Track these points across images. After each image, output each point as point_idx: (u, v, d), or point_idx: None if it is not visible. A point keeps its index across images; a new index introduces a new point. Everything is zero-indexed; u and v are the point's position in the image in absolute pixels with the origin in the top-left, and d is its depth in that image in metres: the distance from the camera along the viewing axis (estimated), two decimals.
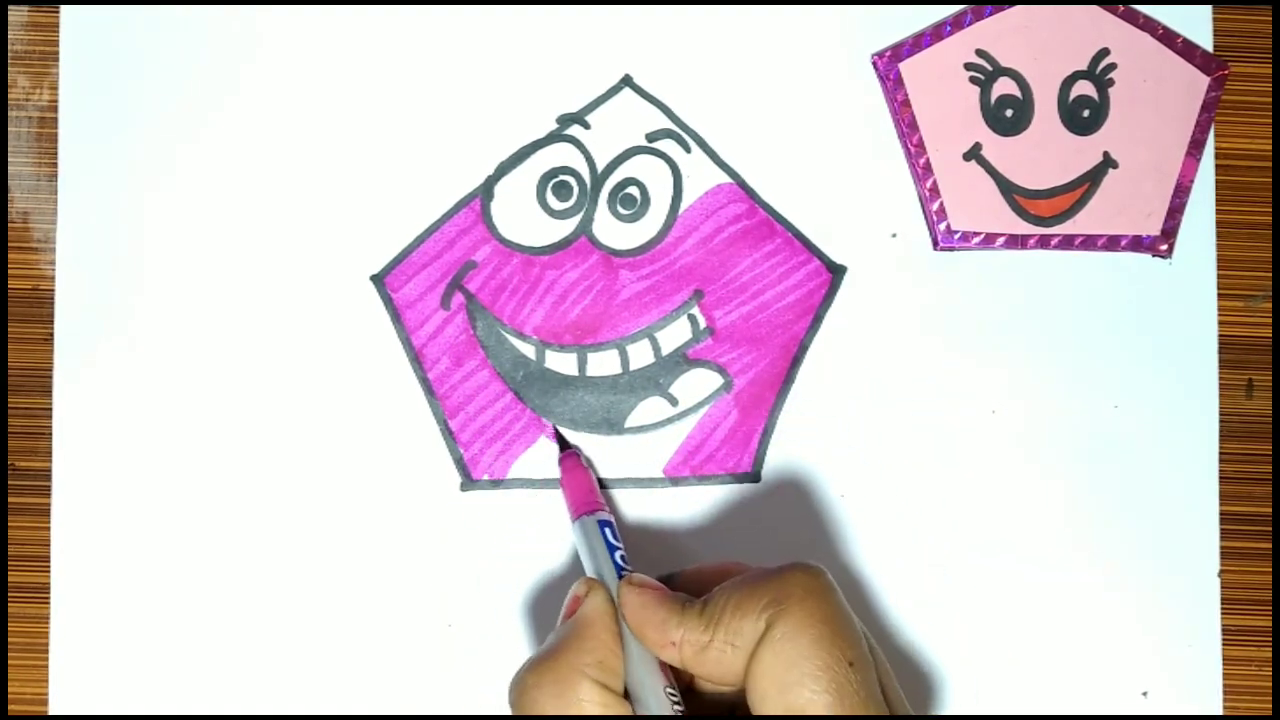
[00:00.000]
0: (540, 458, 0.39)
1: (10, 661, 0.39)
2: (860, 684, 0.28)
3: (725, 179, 0.40)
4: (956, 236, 0.40)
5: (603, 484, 0.39)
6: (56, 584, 0.39)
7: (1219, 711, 0.39)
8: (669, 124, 0.40)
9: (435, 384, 0.39)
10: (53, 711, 0.39)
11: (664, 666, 0.31)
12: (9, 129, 0.40)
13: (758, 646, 0.29)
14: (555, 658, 0.31)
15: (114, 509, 0.39)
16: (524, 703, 0.30)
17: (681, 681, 0.32)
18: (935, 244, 0.40)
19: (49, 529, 0.39)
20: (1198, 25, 0.40)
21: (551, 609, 0.39)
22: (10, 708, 0.39)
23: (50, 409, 0.39)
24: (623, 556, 0.35)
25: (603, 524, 0.36)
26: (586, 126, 0.40)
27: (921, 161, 0.40)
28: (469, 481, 0.39)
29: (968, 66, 0.40)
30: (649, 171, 0.40)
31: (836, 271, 0.40)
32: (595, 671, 0.30)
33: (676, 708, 0.30)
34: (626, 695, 0.31)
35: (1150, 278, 0.40)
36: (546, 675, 0.30)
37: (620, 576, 0.33)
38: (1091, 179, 0.40)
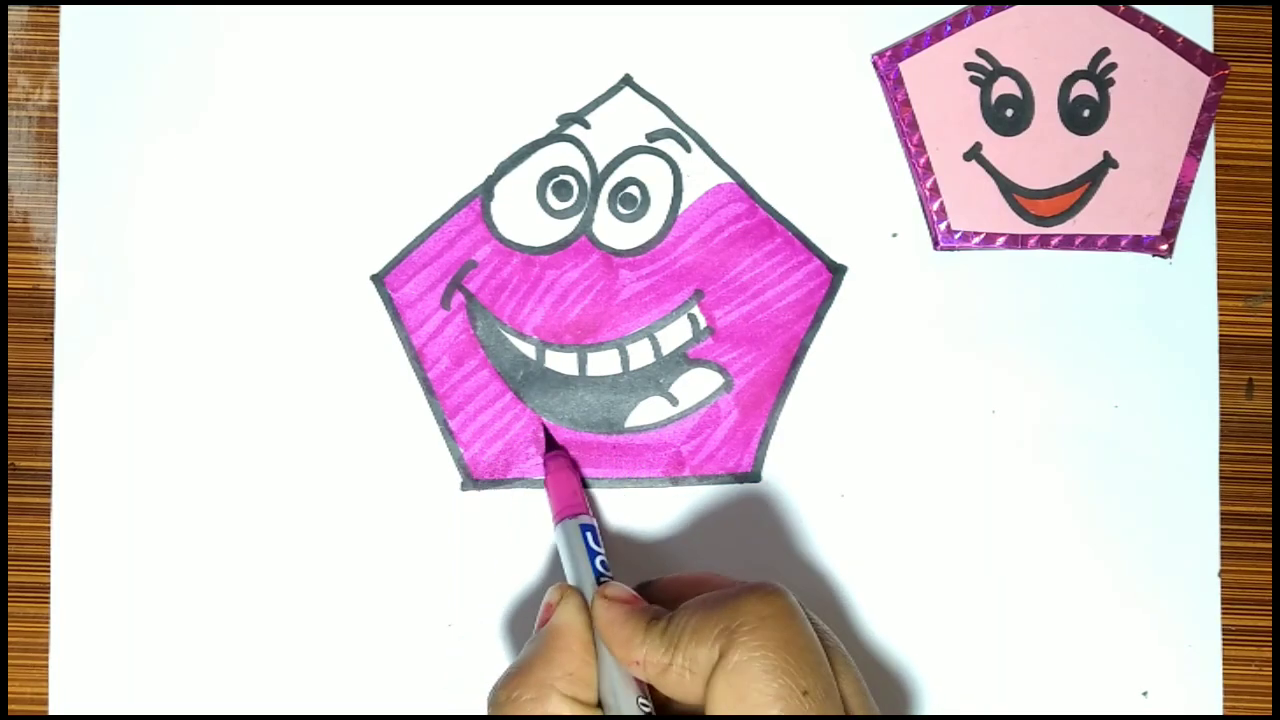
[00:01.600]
0: (539, 458, 0.39)
1: (10, 661, 0.39)
2: (816, 712, 0.28)
3: (725, 179, 0.40)
4: (956, 236, 0.40)
5: (594, 484, 0.39)
6: (56, 584, 0.39)
7: (1219, 711, 0.39)
8: (669, 124, 0.40)
9: (435, 384, 0.39)
10: (53, 711, 0.39)
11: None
12: (9, 129, 0.40)
13: (712, 674, 0.29)
14: (526, 672, 0.31)
15: (114, 509, 0.39)
16: (502, 712, 0.31)
17: (658, 696, 0.32)
18: (935, 244, 0.40)
19: (49, 529, 0.39)
20: (1198, 25, 0.40)
21: None
22: (10, 708, 0.39)
23: (50, 409, 0.39)
24: (603, 562, 0.35)
25: (585, 528, 0.36)
26: (586, 126, 0.40)
27: (921, 161, 0.40)
28: (469, 481, 0.39)
29: (968, 66, 0.40)
30: (649, 171, 0.40)
31: (836, 271, 0.40)
32: (565, 685, 0.31)
33: (639, 706, 0.30)
34: (600, 704, 0.31)
35: (1150, 278, 0.40)
36: (518, 689, 0.31)
37: (599, 583, 0.34)
38: (1091, 179, 0.40)
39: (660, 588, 0.34)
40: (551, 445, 0.39)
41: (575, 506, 0.37)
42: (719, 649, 0.29)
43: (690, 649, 0.29)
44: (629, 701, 0.31)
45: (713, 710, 0.29)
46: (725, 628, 0.29)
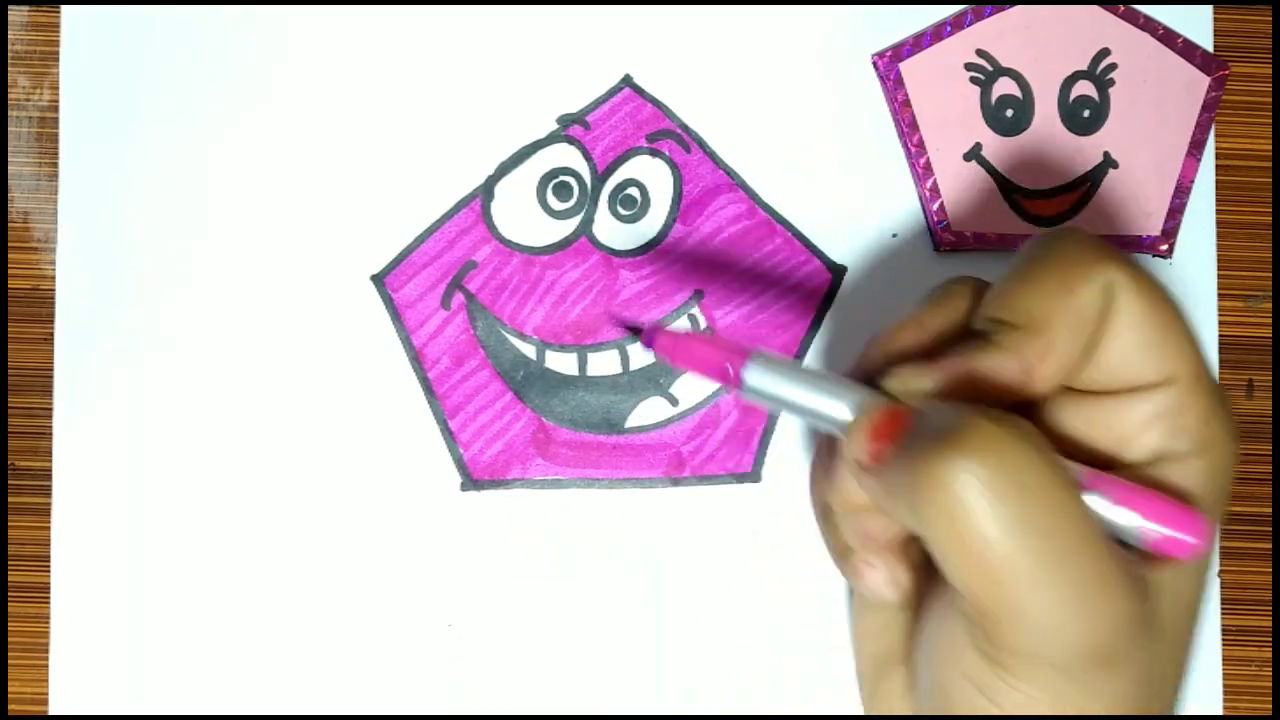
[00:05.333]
0: (539, 458, 0.39)
1: (10, 661, 0.39)
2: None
3: (725, 179, 0.40)
4: (956, 237, 0.40)
5: (594, 484, 0.39)
6: (56, 584, 0.39)
7: (1219, 711, 0.39)
8: (669, 124, 0.40)
9: (435, 384, 0.39)
10: (53, 711, 0.39)
11: None
12: (9, 129, 0.40)
13: (1111, 306, 0.25)
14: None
15: (114, 509, 0.39)
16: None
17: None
18: (935, 244, 0.40)
19: (49, 529, 0.39)
20: (1198, 25, 0.40)
21: (552, 608, 0.39)
22: (10, 708, 0.39)
23: (50, 409, 0.39)
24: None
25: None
26: (586, 127, 0.40)
27: (921, 161, 0.40)
28: (469, 481, 0.39)
29: (968, 66, 0.40)
30: (649, 171, 0.40)
31: (836, 272, 0.40)
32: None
33: None
34: None
35: None
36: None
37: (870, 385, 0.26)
38: (1091, 179, 0.40)
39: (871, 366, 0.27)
40: (636, 329, 0.33)
41: (743, 351, 0.27)
42: (1106, 277, 0.25)
43: (1071, 303, 0.25)
44: None
45: (1121, 330, 0.25)
46: (1104, 255, 0.25)
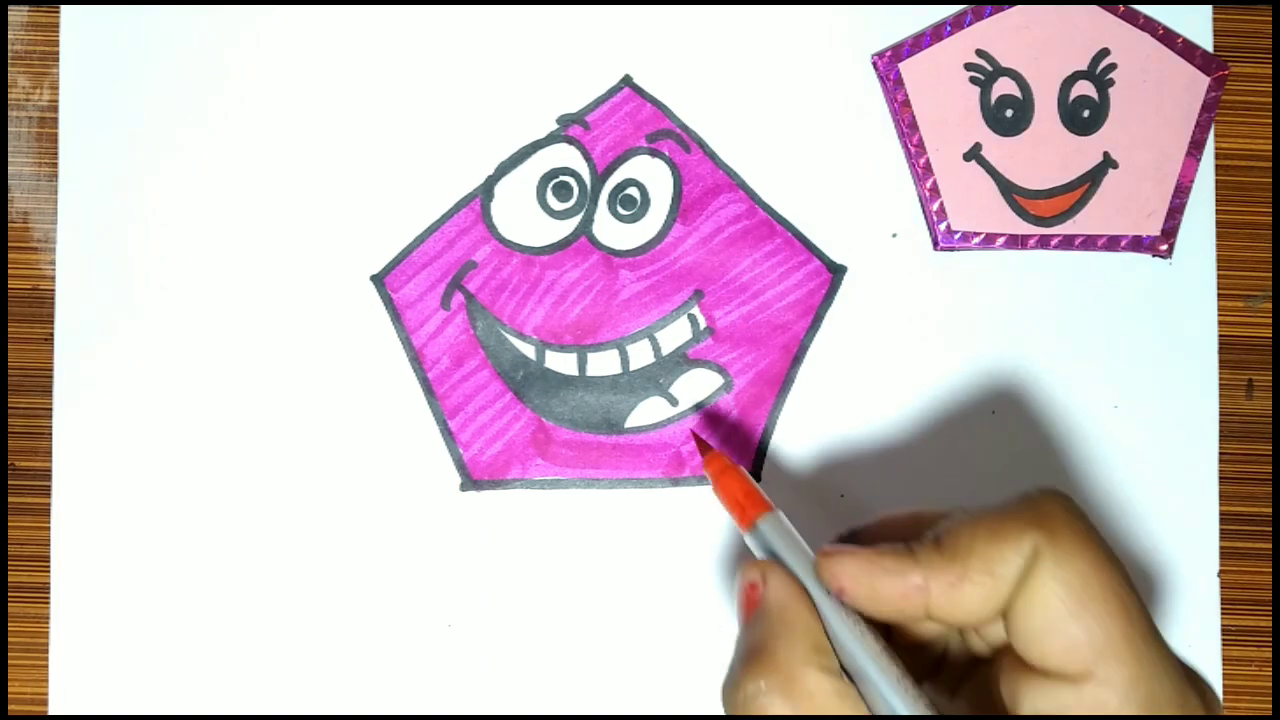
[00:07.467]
0: (539, 458, 0.39)
1: (10, 661, 0.39)
2: (1143, 609, 0.26)
3: (725, 179, 0.40)
4: (956, 236, 0.40)
5: (594, 485, 0.39)
6: (56, 584, 0.39)
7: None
8: (669, 124, 0.40)
9: (435, 384, 0.39)
10: (53, 711, 0.39)
11: (873, 630, 0.28)
12: (9, 129, 0.40)
13: (1028, 575, 0.26)
14: (771, 655, 0.27)
15: (114, 509, 0.39)
16: (751, 709, 0.27)
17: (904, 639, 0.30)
18: (935, 244, 0.40)
19: (49, 529, 0.39)
20: (1198, 25, 0.40)
21: (550, 608, 0.39)
22: (10, 708, 0.39)
23: (50, 409, 0.39)
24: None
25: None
26: (586, 127, 0.40)
27: (921, 161, 0.40)
28: (468, 481, 0.39)
29: (968, 66, 0.40)
30: (649, 171, 0.40)
31: (836, 271, 0.40)
32: (816, 657, 0.27)
33: (895, 669, 0.27)
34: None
35: (1150, 278, 0.40)
36: (769, 676, 0.27)
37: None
38: (1091, 179, 0.40)
39: (867, 536, 0.30)
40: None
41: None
42: (1031, 546, 0.26)
43: (990, 551, 0.26)
44: (876, 655, 0.27)
45: (1033, 612, 0.26)
46: (1033, 522, 0.26)
